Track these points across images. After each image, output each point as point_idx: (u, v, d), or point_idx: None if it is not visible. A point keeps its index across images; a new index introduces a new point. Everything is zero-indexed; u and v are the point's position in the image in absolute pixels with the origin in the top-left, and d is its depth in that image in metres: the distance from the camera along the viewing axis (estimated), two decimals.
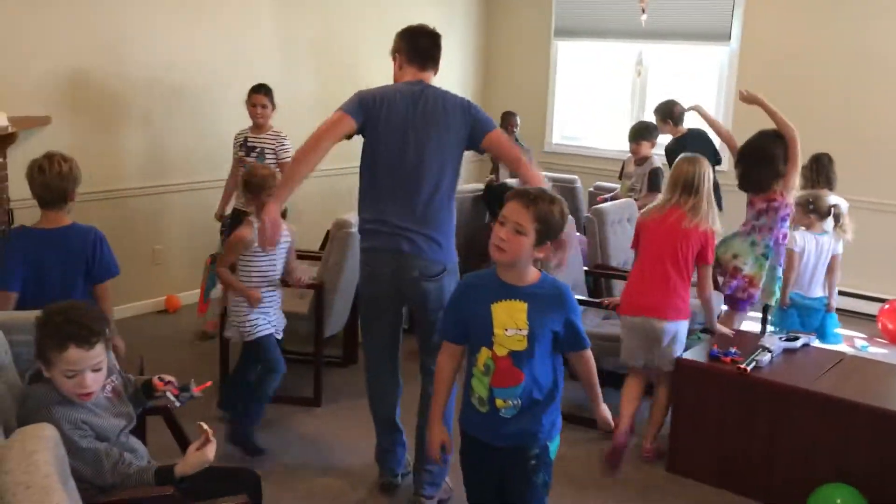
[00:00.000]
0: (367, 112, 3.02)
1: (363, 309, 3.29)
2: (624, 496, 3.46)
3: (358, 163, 3.12)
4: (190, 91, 5.44)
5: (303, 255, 4.89)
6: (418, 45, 3.15)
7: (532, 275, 2.31)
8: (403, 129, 3.01)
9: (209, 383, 2.64)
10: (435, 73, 3.20)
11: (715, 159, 5.08)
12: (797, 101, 5.97)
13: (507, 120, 6.29)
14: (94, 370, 2.17)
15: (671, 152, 5.20)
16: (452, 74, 7.45)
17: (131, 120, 5.19)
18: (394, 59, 3.22)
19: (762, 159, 4.07)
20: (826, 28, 6.00)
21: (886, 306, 5.50)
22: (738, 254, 4.16)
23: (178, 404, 2.47)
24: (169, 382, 2.54)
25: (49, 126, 4.69)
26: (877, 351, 5.21)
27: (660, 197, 3.83)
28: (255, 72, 5.57)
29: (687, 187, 3.61)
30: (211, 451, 2.23)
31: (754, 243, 4.14)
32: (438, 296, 3.04)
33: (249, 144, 4.88)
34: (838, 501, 3.10)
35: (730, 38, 6.46)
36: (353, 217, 4.18)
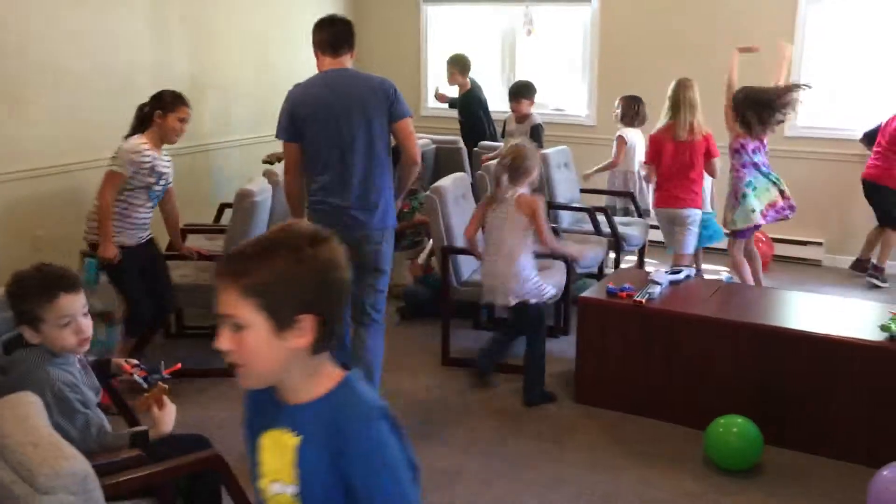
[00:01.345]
0: (297, 124, 3.39)
1: None
2: (538, 429, 3.72)
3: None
4: (58, 71, 5.23)
5: (200, 230, 4.90)
6: (327, 35, 3.42)
7: (321, 380, 1.38)
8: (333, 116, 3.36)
9: (179, 366, 2.67)
10: (352, 56, 3.48)
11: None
12: (656, 55, 6.42)
13: None
14: (84, 315, 2.23)
15: (463, 103, 6.27)
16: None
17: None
18: (315, 54, 3.48)
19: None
20: None
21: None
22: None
23: (145, 385, 2.49)
24: (136, 366, 2.57)
25: None
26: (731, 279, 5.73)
27: (663, 117, 4.87)
28: (125, 52, 5.42)
29: (688, 107, 4.73)
30: (173, 411, 2.30)
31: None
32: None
33: (160, 170, 3.90)
34: (734, 430, 3.33)
35: None
36: (254, 187, 4.26)
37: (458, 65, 6.27)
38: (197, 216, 5.34)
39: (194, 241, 4.62)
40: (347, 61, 3.46)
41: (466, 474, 3.33)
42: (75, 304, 2.25)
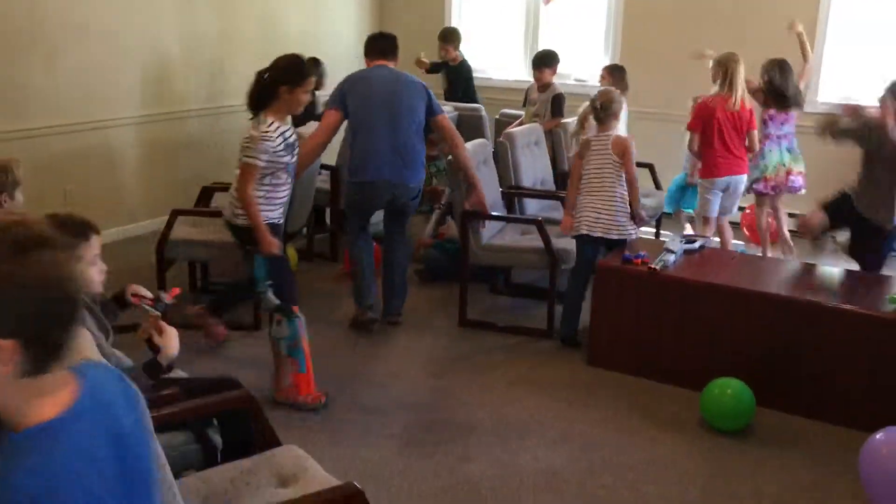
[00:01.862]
0: (344, 98, 4.21)
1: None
2: (552, 389, 3.85)
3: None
4: (89, 30, 5.35)
5: (188, 212, 5.02)
6: (378, 44, 4.41)
7: (50, 400, 1.23)
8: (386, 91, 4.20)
9: (178, 290, 2.88)
10: (395, 62, 4.39)
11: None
12: (679, 27, 6.44)
13: None
14: None
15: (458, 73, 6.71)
16: (347, 14, 7.54)
17: (35, 56, 5.07)
18: (367, 63, 4.42)
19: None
20: None
21: (748, 211, 6.09)
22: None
23: (156, 312, 2.64)
24: (143, 297, 2.73)
25: None
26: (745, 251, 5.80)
27: (714, 89, 4.96)
28: (153, 10, 5.56)
29: (740, 81, 4.89)
30: (173, 334, 2.45)
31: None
32: None
33: (291, 142, 3.59)
34: (728, 392, 3.47)
35: None
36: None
37: (453, 39, 6.71)
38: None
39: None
40: (391, 63, 4.36)
41: (480, 429, 3.47)
42: (99, 244, 2.46)
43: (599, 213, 4.15)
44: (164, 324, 2.49)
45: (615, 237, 4.16)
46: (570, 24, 7.16)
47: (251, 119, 3.52)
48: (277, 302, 3.49)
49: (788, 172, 5.24)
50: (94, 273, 2.43)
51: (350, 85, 4.25)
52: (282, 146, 3.46)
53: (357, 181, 4.24)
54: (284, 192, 3.60)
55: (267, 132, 3.40)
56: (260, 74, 3.52)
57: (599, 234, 4.16)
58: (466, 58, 6.84)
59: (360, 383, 3.86)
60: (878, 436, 2.91)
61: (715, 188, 5.09)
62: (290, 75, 3.48)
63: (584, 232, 4.18)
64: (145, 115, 5.76)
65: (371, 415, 3.57)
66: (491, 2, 7.62)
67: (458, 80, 6.77)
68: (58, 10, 5.13)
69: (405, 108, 4.19)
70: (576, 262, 4.32)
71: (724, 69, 4.96)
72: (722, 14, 6.34)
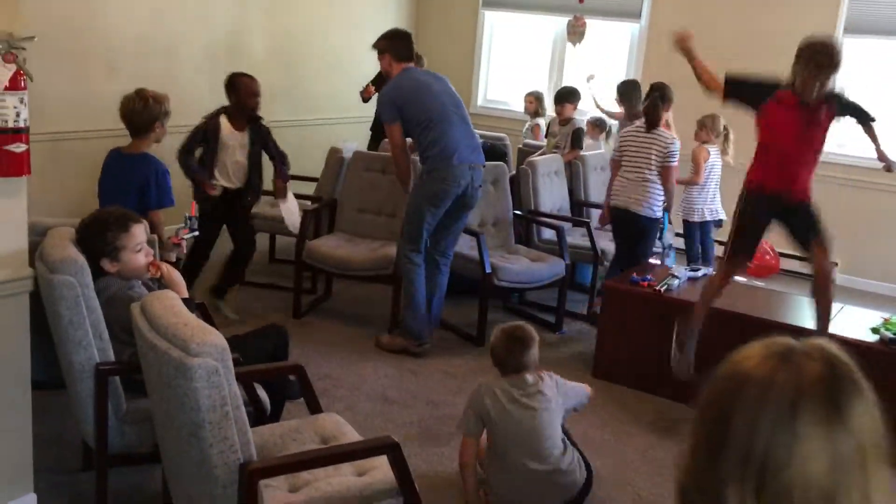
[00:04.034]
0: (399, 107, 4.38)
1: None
2: None
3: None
4: (155, 43, 5.79)
5: (302, 178, 5.65)
6: (403, 46, 4.49)
7: None
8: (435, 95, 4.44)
9: (194, 203, 3.82)
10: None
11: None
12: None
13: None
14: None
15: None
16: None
17: (99, 69, 5.50)
18: (388, 59, 4.48)
19: None
20: (724, 11, 6.86)
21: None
22: None
23: (196, 231, 3.51)
24: (178, 238, 3.41)
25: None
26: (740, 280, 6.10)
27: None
28: (211, 30, 6.01)
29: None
30: (172, 274, 2.86)
31: None
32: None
33: None
34: None
35: (640, 16, 7.25)
36: (342, 145, 5.42)
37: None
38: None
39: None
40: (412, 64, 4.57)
41: None
42: (141, 232, 2.82)
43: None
44: (162, 265, 2.86)
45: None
46: (594, 62, 7.58)
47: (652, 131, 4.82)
48: None
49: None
50: (139, 258, 2.80)
51: (401, 94, 4.37)
52: None
53: (440, 170, 4.33)
54: None
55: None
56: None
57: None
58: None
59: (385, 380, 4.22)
60: None
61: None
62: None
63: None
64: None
65: (392, 405, 3.93)
66: (519, 37, 8.06)
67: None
68: (116, 25, 5.58)
69: (458, 99, 4.53)
70: None
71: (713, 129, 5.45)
72: (736, 63, 6.73)
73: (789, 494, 0.89)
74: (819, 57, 3.60)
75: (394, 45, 4.48)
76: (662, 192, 4.84)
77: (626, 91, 6.02)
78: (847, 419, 0.92)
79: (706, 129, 5.55)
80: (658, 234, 4.97)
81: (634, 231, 4.87)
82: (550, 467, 2.92)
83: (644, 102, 5.16)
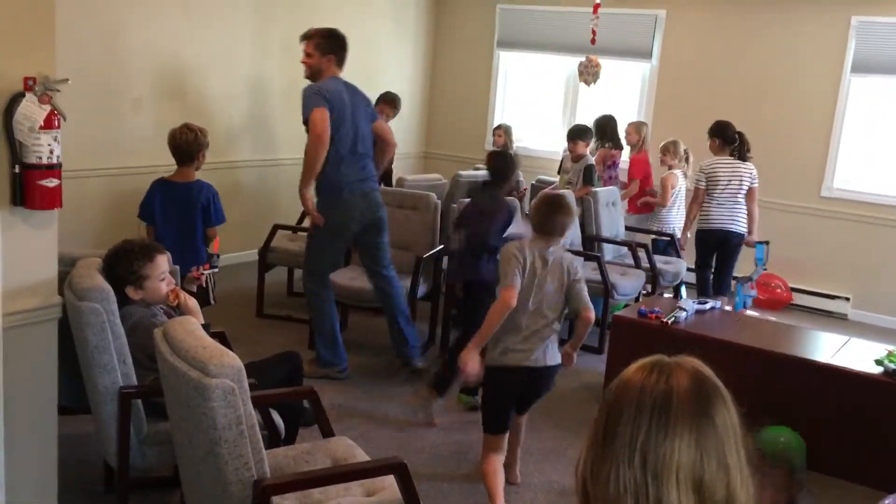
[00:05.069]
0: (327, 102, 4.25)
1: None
2: (569, 423, 4.27)
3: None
4: (174, 80, 6.02)
5: (287, 227, 5.69)
6: (344, 53, 4.50)
7: None
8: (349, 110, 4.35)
9: (217, 239, 4.02)
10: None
11: None
12: (706, 112, 6.96)
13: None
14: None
15: None
16: (402, 77, 8.19)
17: (123, 106, 5.73)
18: (322, 53, 4.40)
19: None
20: (732, 51, 7.01)
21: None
22: None
23: (216, 268, 3.74)
24: (198, 273, 3.59)
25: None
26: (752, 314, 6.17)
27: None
28: (230, 65, 6.24)
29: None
30: (189, 302, 3.01)
31: None
32: None
33: None
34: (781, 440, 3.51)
35: (651, 56, 7.41)
36: None
37: (395, 105, 6.74)
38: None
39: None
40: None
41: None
42: (165, 262, 2.98)
43: None
44: (180, 293, 3.02)
45: None
46: (606, 102, 7.74)
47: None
48: None
49: None
50: (162, 286, 2.97)
51: (330, 97, 4.25)
52: None
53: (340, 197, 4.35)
54: None
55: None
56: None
57: None
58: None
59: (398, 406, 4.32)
60: (887, 500, 2.99)
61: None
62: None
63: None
64: (236, 161, 6.44)
65: (403, 432, 4.03)
66: (533, 79, 8.25)
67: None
68: (145, 66, 5.80)
69: (368, 114, 4.54)
70: None
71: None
72: (745, 103, 6.87)
73: (668, 470, 1.12)
74: None
75: (341, 50, 4.47)
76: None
77: (602, 126, 6.66)
78: (712, 417, 1.17)
79: (669, 153, 6.30)
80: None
81: (729, 248, 5.70)
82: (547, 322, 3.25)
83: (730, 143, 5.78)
